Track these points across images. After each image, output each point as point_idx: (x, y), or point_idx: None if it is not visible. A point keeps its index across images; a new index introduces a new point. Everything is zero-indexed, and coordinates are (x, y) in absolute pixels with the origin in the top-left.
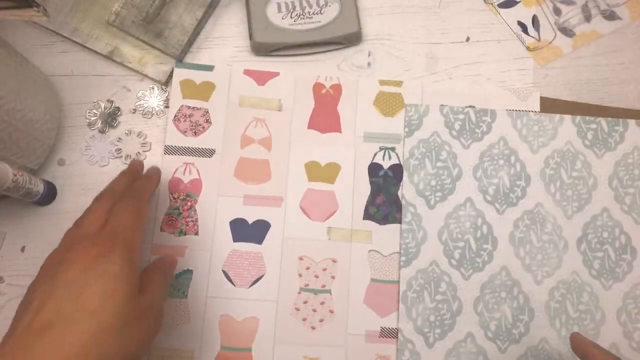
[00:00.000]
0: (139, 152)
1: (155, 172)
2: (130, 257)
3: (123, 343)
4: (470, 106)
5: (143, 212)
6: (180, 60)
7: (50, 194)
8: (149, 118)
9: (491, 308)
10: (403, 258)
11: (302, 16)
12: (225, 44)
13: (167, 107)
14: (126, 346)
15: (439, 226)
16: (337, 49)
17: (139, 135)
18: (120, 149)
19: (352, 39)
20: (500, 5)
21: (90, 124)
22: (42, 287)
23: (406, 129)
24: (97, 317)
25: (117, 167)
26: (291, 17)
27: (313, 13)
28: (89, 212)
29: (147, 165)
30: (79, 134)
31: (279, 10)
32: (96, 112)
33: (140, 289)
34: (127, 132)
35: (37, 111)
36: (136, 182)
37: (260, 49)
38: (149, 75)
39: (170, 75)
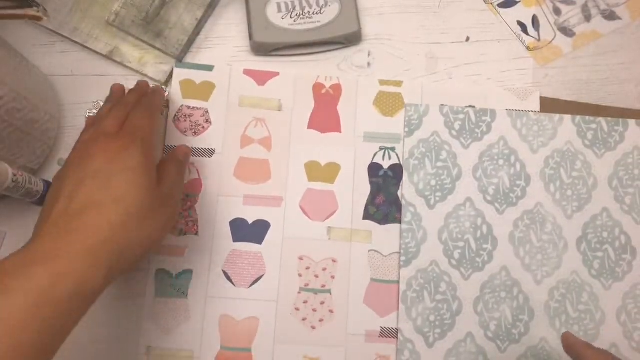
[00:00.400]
0: None
1: (160, 88)
2: (147, 153)
3: (145, 226)
4: (470, 106)
5: (156, 119)
6: (180, 60)
7: None
8: None
9: (491, 308)
10: (403, 258)
11: (302, 16)
12: (225, 44)
13: (166, 107)
14: (148, 229)
15: (439, 226)
16: (337, 49)
17: None
18: None
19: (352, 39)
20: (500, 5)
21: None
22: (72, 177)
23: (406, 129)
24: (122, 204)
25: None
26: (291, 17)
27: (313, 13)
28: (107, 117)
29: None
30: (79, 134)
31: (279, 10)
32: (96, 112)
33: (158, 179)
34: None
35: (37, 111)
36: (145, 96)
37: (260, 49)
38: (148, 75)
39: (170, 75)
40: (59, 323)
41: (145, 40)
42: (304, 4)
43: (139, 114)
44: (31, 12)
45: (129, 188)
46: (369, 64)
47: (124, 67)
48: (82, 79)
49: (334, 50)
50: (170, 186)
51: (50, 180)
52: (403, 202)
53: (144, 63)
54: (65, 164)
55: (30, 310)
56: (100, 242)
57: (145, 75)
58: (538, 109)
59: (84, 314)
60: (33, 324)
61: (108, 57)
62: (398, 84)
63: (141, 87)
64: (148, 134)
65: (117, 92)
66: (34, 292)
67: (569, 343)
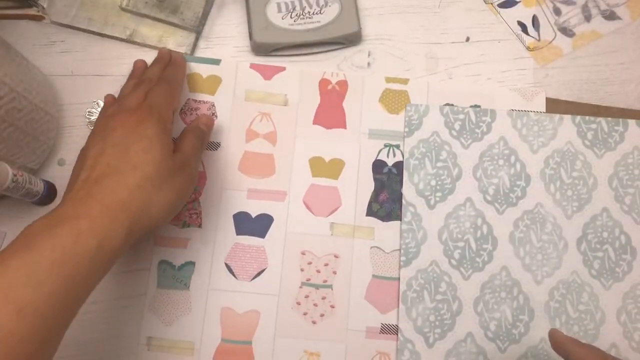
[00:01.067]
0: None
1: (181, 57)
2: (163, 125)
3: (162, 190)
4: (476, 106)
5: (176, 95)
6: (199, 33)
7: (50, 194)
8: None
9: (491, 308)
10: (403, 258)
11: (302, 16)
12: (225, 44)
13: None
14: (165, 193)
15: (439, 226)
16: (337, 49)
17: None
18: None
19: (352, 39)
20: (500, 5)
21: (90, 124)
22: (94, 149)
23: (406, 129)
24: (139, 169)
25: None
26: (291, 17)
27: (313, 13)
28: (130, 94)
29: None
30: (79, 134)
31: (279, 10)
32: (96, 111)
33: (175, 148)
34: None
35: (37, 111)
36: (168, 69)
37: (260, 49)
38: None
39: (194, 47)
40: (82, 277)
41: (162, 18)
42: (304, 4)
43: (159, 89)
44: (31, 11)
45: (145, 156)
46: (369, 64)
47: (123, 67)
48: (82, 79)
49: (334, 50)
50: (187, 154)
51: (50, 180)
52: (403, 202)
53: (165, 41)
54: (89, 137)
55: (55, 264)
56: (119, 204)
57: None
58: (544, 109)
59: (106, 270)
60: (58, 278)
61: (128, 40)
62: (404, 81)
63: (162, 58)
64: (165, 107)
65: (139, 69)
66: (58, 249)
67: (557, 340)
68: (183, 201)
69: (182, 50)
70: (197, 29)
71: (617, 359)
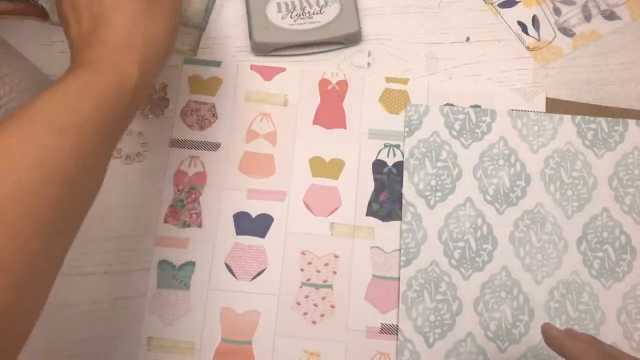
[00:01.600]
0: (139, 152)
1: None
2: None
3: (156, 19)
4: (476, 105)
5: None
6: (203, 29)
7: None
8: (148, 118)
9: (491, 308)
10: (403, 258)
11: (302, 16)
12: (225, 44)
13: (166, 106)
14: (159, 21)
15: (439, 226)
16: (337, 49)
17: (139, 135)
18: (120, 149)
19: (352, 39)
20: (500, 5)
21: None
22: (66, 4)
23: (406, 129)
24: (122, 10)
25: (116, 167)
26: (291, 17)
27: (313, 13)
28: None
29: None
30: None
31: (279, 10)
32: None
33: None
34: (127, 132)
35: None
36: None
37: (260, 49)
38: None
39: (198, 43)
40: (110, 115)
41: None
42: (304, 3)
43: None
44: (33, 10)
45: None
46: (368, 64)
47: None
48: None
49: (334, 50)
50: None
51: None
52: (403, 202)
53: None
54: None
55: (83, 94)
56: (122, 43)
57: (177, 50)
58: (544, 109)
59: (130, 113)
60: (89, 106)
61: None
62: (404, 81)
63: None
64: None
65: None
66: (83, 85)
67: (550, 335)
68: (179, 13)
69: (185, 48)
70: (201, 25)
71: (614, 348)
